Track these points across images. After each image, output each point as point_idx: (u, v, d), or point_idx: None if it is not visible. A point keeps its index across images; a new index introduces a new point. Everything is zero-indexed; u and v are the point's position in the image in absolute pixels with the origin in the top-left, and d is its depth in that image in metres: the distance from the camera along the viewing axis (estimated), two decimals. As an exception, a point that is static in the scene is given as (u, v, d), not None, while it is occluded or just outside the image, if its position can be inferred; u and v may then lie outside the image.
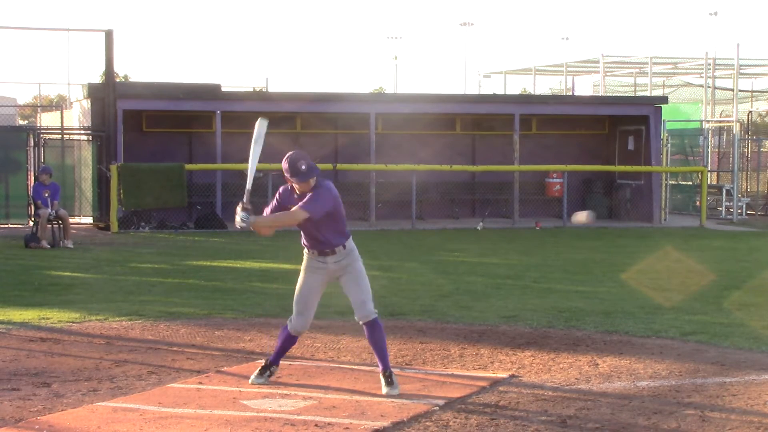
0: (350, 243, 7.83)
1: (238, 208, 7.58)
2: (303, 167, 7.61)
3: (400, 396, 7.47)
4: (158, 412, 7.00)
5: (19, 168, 22.65)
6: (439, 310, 11.61)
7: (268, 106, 24.67)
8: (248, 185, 7.80)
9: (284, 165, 7.66)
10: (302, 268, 7.89)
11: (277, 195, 7.84)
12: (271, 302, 12.01)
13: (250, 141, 7.92)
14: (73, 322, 10.69)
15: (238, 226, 7.61)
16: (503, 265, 16.81)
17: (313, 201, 7.60)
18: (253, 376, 7.93)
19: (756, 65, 34.72)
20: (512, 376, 8.32)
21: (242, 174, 24.90)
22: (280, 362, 8.05)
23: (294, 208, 7.61)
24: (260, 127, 7.97)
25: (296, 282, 7.94)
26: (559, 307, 11.87)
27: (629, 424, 6.87)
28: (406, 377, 8.07)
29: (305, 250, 7.86)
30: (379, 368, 7.74)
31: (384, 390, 7.60)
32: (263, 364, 8.02)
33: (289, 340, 8.00)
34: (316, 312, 10.39)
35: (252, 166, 7.85)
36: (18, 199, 22.14)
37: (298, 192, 7.73)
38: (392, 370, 7.79)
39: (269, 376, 7.92)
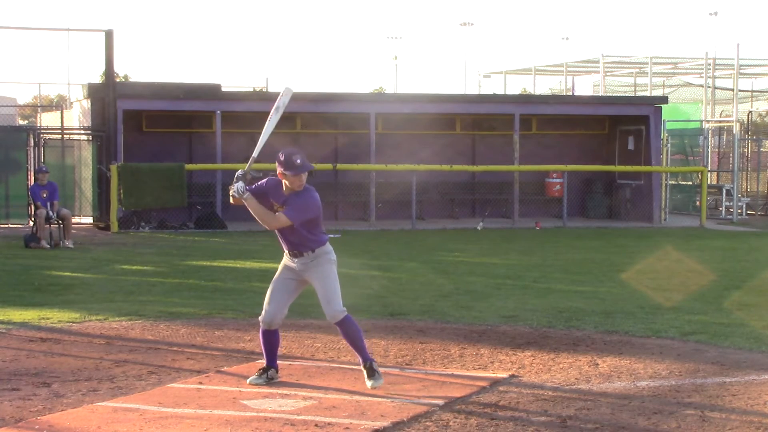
0: (323, 248, 7.77)
1: (239, 173, 7.66)
2: (298, 161, 7.60)
3: (400, 396, 7.47)
4: (158, 412, 7.00)
5: (19, 168, 22.66)
6: (439, 310, 11.61)
7: (268, 106, 24.39)
8: (255, 153, 7.85)
9: (279, 157, 7.64)
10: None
11: (264, 181, 7.80)
12: (271, 302, 11.99)
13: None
14: (73, 322, 10.69)
15: (232, 193, 7.63)
16: (503, 265, 16.81)
17: (298, 210, 7.61)
18: (252, 377, 7.92)
19: (756, 65, 34.72)
20: (512, 376, 8.32)
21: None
22: (279, 363, 8.04)
23: (279, 213, 7.64)
24: (285, 95, 8.00)
25: None
26: (559, 307, 11.87)
27: (629, 424, 6.87)
28: (406, 377, 8.07)
29: None
30: (360, 362, 7.78)
31: (368, 384, 7.64)
32: (264, 365, 8.03)
33: (266, 336, 7.93)
34: (315, 312, 10.37)
35: (266, 134, 7.89)
36: (18, 199, 22.14)
37: (285, 189, 7.71)
38: (374, 360, 7.82)
39: (269, 379, 7.89)
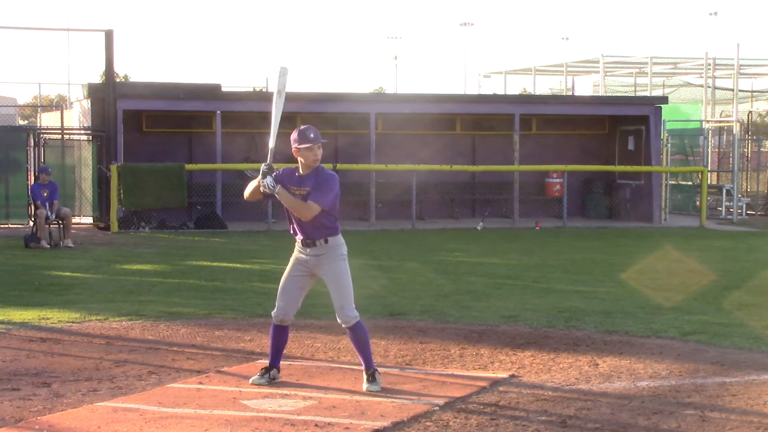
0: (336, 239, 7.77)
1: (264, 168, 7.61)
2: (311, 134, 7.73)
3: (400, 396, 7.47)
4: (158, 412, 7.00)
5: (19, 168, 22.67)
6: (439, 310, 11.60)
7: (268, 106, 24.56)
8: (271, 144, 7.83)
9: (293, 136, 7.74)
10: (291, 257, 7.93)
11: (280, 171, 7.78)
12: (271, 302, 11.84)
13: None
14: (73, 322, 10.69)
15: (263, 189, 7.60)
16: (503, 265, 16.81)
17: (326, 194, 7.65)
18: (254, 377, 7.91)
19: (756, 65, 34.73)
20: (512, 376, 8.32)
21: (242, 174, 24.93)
22: (281, 363, 8.03)
23: (310, 202, 7.61)
24: (283, 76, 8.01)
25: None
26: (559, 307, 11.87)
27: (629, 424, 6.87)
28: (406, 377, 8.07)
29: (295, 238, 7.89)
30: (363, 367, 7.77)
31: (364, 386, 7.64)
32: (266, 365, 8.01)
33: (277, 333, 7.95)
34: (315, 312, 10.39)
35: (276, 121, 7.88)
36: (18, 199, 22.15)
37: (303, 169, 7.74)
38: (377, 369, 7.80)
39: (271, 379, 7.88)
